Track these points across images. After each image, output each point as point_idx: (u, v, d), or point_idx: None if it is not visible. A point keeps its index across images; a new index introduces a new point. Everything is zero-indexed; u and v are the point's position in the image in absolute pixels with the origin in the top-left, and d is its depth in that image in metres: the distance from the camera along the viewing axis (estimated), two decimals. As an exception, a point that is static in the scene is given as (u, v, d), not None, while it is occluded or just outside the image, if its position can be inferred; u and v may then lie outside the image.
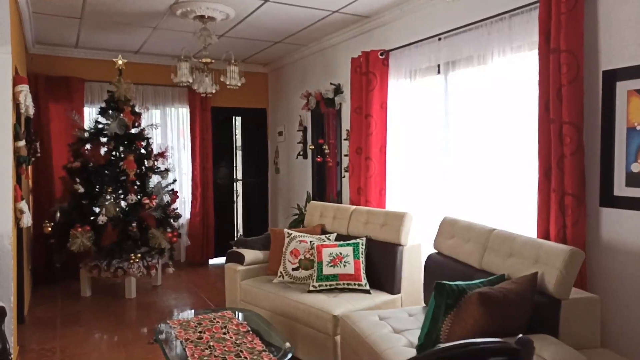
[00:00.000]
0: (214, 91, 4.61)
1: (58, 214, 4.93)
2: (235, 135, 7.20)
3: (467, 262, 2.96)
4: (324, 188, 5.82)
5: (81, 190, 4.91)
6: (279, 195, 7.05)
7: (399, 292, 3.56)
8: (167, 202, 5.54)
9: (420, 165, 4.16)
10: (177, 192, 5.67)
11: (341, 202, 5.40)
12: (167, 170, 5.60)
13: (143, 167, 5.37)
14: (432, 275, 3.19)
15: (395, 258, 3.55)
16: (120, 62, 5.36)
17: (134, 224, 5.01)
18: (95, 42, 5.75)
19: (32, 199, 5.72)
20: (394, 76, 4.38)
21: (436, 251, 3.31)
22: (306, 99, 5.85)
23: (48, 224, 4.88)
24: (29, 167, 5.59)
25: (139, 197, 5.14)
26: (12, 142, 3.37)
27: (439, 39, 3.84)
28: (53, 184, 5.80)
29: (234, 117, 7.17)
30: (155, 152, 5.53)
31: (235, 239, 4.14)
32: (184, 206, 6.65)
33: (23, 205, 3.50)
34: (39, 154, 5.01)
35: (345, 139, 5.18)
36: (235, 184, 7.20)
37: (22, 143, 3.50)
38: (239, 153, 7.25)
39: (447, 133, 3.87)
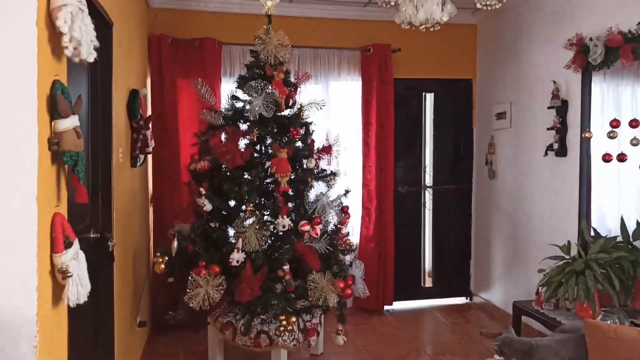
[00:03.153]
0: (445, 19, 2.32)
1: (175, 243, 3.14)
2: (425, 119, 4.87)
3: None
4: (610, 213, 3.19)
5: (207, 207, 3.04)
6: (494, 213, 4.55)
7: None
8: (335, 225, 3.46)
9: None
10: (347, 208, 3.55)
11: (671, 244, 2.73)
12: (334, 174, 3.52)
13: (299, 170, 3.35)
14: None
15: None
16: (269, 3, 3.39)
17: (286, 267, 3.00)
18: (235, -18, 3.91)
19: (152, 212, 4.10)
20: None
21: None
22: (577, 50, 3.25)
23: (161, 259, 3.11)
24: (149, 164, 3.97)
25: (293, 217, 3.12)
26: (37, 123, 1.48)
27: None
28: (181, 191, 4.12)
29: (423, 94, 4.84)
30: (316, 145, 3.48)
31: (501, 337, 1.87)
32: (351, 226, 4.53)
33: (67, 257, 1.59)
34: (149, 149, 3.26)
35: (703, 117, 2.49)
36: (423, 192, 4.88)
37: (67, 124, 1.59)
38: (429, 146, 4.91)
39: None
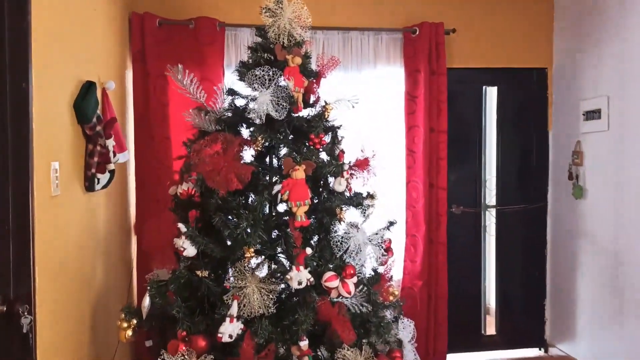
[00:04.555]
0: None
1: (147, 301, 2.19)
2: (485, 120, 3.81)
3: None
4: None
5: (189, 251, 2.08)
6: (580, 243, 3.44)
7: None
8: (374, 270, 2.46)
9: None
10: (390, 243, 2.53)
11: None
12: (371, 197, 2.53)
13: (324, 193, 2.37)
14: None
15: None
16: (280, -41, 2.42)
17: (303, 342, 2.01)
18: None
19: (136, 246, 3.19)
20: None
21: None
22: None
23: (126, 323, 2.17)
24: (130, 182, 3.07)
25: (315, 264, 2.13)
26: None
27: None
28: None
29: (484, 88, 3.78)
30: (347, 157, 2.49)
31: None
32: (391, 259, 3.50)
33: None
34: (112, 165, 2.31)
35: None
36: (483, 214, 3.82)
37: None
38: (491, 154, 3.85)
39: None
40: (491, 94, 3.78)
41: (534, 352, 3.85)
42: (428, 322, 3.51)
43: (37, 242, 1.69)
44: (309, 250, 2.04)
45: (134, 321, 2.19)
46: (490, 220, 3.83)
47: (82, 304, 2.21)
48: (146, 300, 2.19)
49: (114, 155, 2.28)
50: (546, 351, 3.83)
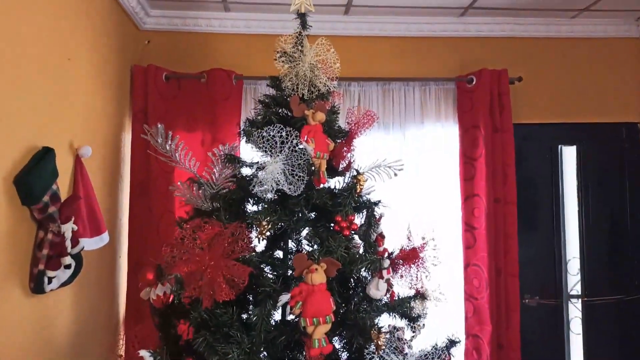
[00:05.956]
0: None
1: None
2: (563, 187, 3.05)
3: None
4: None
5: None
6: None
7: None
8: (430, 410, 1.71)
9: None
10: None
11: None
12: (422, 296, 1.84)
13: (355, 300, 1.69)
14: None
15: None
16: (299, -6, 1.91)
17: None
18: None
19: (124, 348, 2.56)
20: None
21: None
22: None
23: None
24: (121, 266, 2.50)
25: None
26: None
27: None
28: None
29: (559, 148, 3.05)
30: (388, 246, 1.81)
31: None
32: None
33: None
34: (67, 259, 1.72)
35: None
36: (565, 306, 2.97)
37: None
38: (572, 230, 3.05)
39: None
40: (569, 154, 3.04)
41: None
42: None
43: None
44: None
45: None
46: (574, 314, 2.97)
47: None
48: None
49: (75, 244, 1.71)
50: None
